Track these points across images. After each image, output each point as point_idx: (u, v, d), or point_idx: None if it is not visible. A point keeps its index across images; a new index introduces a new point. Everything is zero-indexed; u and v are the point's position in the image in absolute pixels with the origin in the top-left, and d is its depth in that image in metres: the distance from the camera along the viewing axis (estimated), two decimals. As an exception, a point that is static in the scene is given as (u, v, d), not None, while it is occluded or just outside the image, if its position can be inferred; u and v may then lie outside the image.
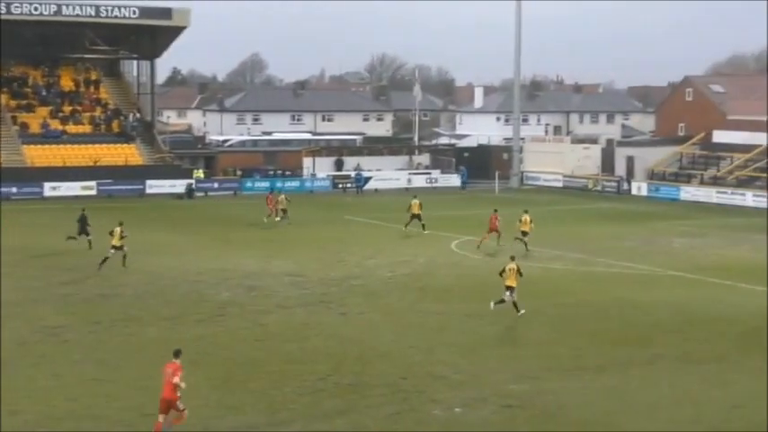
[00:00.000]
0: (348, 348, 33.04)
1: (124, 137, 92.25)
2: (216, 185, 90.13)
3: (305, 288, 43.56)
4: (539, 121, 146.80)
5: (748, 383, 29.35)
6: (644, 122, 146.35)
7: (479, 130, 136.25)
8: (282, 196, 66.18)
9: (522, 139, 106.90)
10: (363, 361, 31.41)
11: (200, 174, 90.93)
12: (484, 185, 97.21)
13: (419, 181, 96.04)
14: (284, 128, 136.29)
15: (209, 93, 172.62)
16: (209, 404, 26.98)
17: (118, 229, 47.90)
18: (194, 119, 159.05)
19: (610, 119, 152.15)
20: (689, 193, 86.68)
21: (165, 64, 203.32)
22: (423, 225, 60.96)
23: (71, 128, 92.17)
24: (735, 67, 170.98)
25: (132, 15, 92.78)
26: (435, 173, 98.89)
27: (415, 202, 61.85)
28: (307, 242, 57.43)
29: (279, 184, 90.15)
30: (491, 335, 35.28)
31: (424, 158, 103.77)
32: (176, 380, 23.90)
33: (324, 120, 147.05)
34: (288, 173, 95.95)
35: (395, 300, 41.35)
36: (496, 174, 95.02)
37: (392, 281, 45.66)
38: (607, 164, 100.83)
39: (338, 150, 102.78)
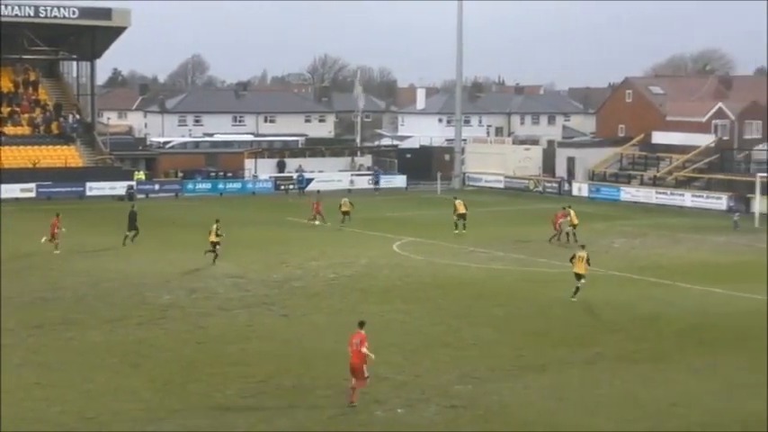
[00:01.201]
0: (290, 350, 33.00)
1: (64, 138, 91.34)
2: (157, 187, 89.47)
3: (247, 290, 43.43)
4: (480, 122, 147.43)
5: (686, 382, 29.70)
6: (585, 124, 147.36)
7: (421, 131, 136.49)
8: (346, 200, 66.41)
9: (464, 140, 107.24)
10: (306, 362, 31.39)
11: (141, 175, 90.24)
12: (426, 186, 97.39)
13: (361, 182, 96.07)
14: (226, 129, 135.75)
15: (149, 94, 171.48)
16: (151, 407, 26.83)
17: (214, 227, 49.97)
18: (135, 120, 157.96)
19: (551, 120, 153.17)
20: (629, 193, 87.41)
21: (106, 65, 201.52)
22: (464, 225, 61.79)
23: (9, 129, 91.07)
24: (674, 68, 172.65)
25: (72, 15, 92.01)
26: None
27: (459, 202, 62.82)
28: (249, 244, 57.21)
29: (221, 186, 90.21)
30: (434, 335, 35.37)
31: (366, 160, 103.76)
32: (364, 349, 26.93)
33: (266, 121, 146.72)
34: (230, 174, 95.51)
35: (337, 301, 41.35)
36: (438, 175, 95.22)
37: (335, 282, 45.65)
38: (548, 165, 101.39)
39: (280, 152, 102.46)
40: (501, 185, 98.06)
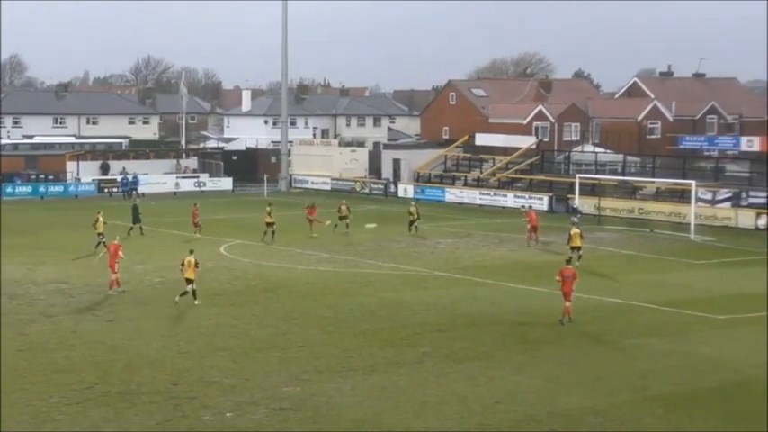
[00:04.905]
0: (116, 356, 32.49)
1: None
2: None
3: (71, 296, 42.57)
4: (306, 124, 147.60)
5: (510, 379, 30.34)
6: (409, 126, 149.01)
7: (247, 133, 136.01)
8: (345, 205, 65.88)
9: (291, 142, 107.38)
10: (132, 368, 30.96)
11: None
12: (253, 189, 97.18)
13: (187, 185, 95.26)
14: (46, 131, 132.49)
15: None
16: (-29, 418, 26.07)
17: (100, 218, 55.57)
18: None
19: (376, 122, 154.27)
20: (453, 194, 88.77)
21: None
22: (334, 225, 64.61)
23: None
24: (495, 71, 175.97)
25: None
26: (203, 176, 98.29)
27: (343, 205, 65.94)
28: (72, 248, 56.08)
29: (42, 189, 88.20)
30: (262, 338, 35.31)
31: (192, 162, 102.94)
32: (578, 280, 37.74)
33: (88, 123, 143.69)
34: (51, 177, 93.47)
35: (164, 306, 40.88)
36: (265, 177, 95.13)
37: (162, 286, 45.13)
38: (374, 166, 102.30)
39: (103, 154, 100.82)
40: (328, 187, 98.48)
